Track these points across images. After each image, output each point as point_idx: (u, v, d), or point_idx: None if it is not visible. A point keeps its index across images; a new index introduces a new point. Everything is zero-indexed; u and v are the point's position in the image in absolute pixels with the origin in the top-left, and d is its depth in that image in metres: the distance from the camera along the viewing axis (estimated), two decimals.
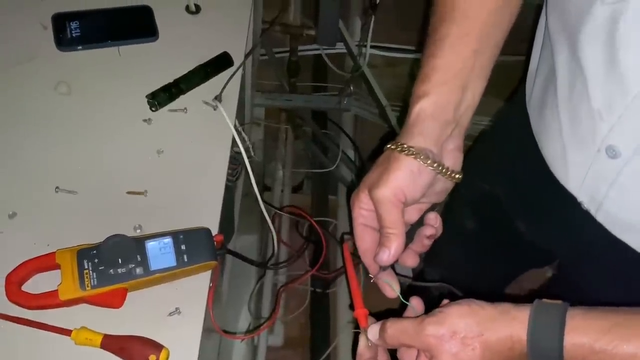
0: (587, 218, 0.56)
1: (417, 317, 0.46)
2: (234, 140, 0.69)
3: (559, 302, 0.44)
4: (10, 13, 0.75)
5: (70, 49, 0.72)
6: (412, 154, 0.48)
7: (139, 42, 0.74)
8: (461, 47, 0.51)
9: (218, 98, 0.69)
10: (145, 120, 0.68)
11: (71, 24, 0.73)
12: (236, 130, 0.68)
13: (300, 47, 1.57)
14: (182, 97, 0.70)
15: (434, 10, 0.54)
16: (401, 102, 1.69)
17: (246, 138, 0.81)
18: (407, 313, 0.51)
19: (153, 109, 0.68)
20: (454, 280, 0.96)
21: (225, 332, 0.62)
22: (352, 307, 0.53)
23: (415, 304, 0.50)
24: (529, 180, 0.66)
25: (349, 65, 1.58)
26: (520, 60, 0.68)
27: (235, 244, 1.21)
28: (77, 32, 0.73)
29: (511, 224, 0.73)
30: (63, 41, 0.72)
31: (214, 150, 0.67)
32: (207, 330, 0.58)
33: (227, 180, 0.68)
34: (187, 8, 0.79)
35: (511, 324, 0.43)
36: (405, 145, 0.49)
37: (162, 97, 0.68)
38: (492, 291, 1.07)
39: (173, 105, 0.69)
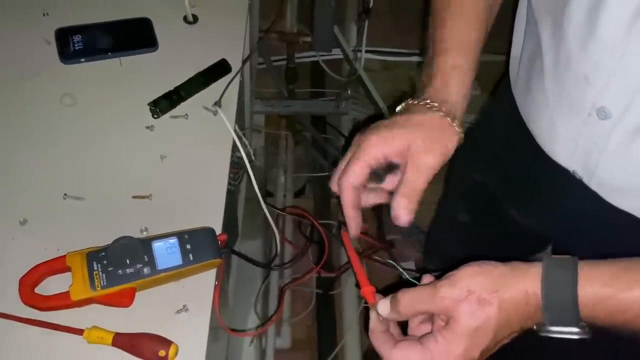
0: (579, 190, 0.58)
1: (429, 283, 0.47)
2: (234, 145, 0.71)
3: (568, 256, 0.45)
4: (14, 30, 0.77)
5: (73, 62, 0.74)
6: (460, 134, 0.52)
7: (139, 52, 0.76)
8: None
9: (218, 103, 0.71)
10: (147, 127, 0.70)
11: (74, 37, 0.76)
12: (236, 134, 0.71)
13: (297, 55, 1.60)
14: (183, 103, 0.72)
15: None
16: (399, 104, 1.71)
17: (246, 142, 0.83)
18: None
19: (155, 116, 0.70)
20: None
21: (233, 330, 0.63)
22: (358, 286, 0.54)
23: (428, 282, 0.50)
24: (518, 164, 0.68)
25: (346, 70, 1.60)
26: (503, 59, 0.71)
27: (239, 248, 1.23)
28: (79, 45, 0.75)
29: (504, 213, 0.74)
30: (66, 55, 0.74)
31: (216, 153, 0.69)
32: (215, 330, 0.60)
33: (229, 184, 0.70)
34: (185, 18, 0.81)
35: (525, 279, 0.44)
36: (457, 122, 0.51)
37: (163, 104, 0.70)
38: None
39: (174, 112, 0.71)
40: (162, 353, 0.53)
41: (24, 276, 0.56)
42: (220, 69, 0.75)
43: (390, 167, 0.53)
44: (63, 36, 0.76)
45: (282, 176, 1.56)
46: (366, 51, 1.32)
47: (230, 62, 0.76)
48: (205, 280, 0.60)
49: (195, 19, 0.82)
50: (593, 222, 0.58)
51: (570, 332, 0.44)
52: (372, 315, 0.51)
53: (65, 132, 0.69)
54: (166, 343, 0.54)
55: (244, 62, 0.77)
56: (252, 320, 1.17)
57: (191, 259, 0.57)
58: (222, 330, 0.61)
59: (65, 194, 0.63)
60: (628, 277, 0.43)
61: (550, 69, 0.56)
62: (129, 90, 0.73)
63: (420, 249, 1.36)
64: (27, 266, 0.56)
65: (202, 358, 0.54)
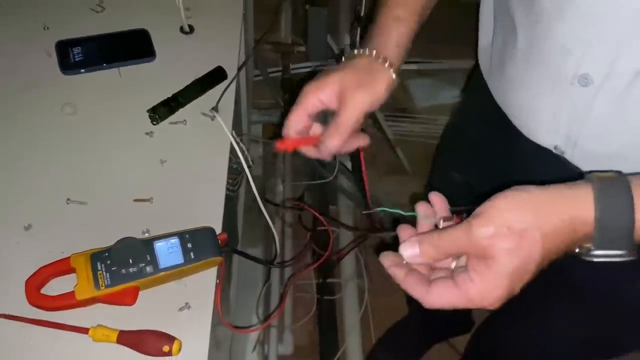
0: (559, 170, 0.59)
1: (463, 223, 0.43)
2: (232, 151, 0.73)
3: (615, 175, 0.42)
4: (16, 43, 0.80)
5: (73, 73, 0.77)
6: (395, 71, 0.55)
7: (138, 62, 0.79)
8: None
9: (215, 109, 0.73)
10: (147, 134, 0.72)
11: (74, 49, 0.78)
12: (233, 138, 0.73)
13: (293, 66, 1.63)
14: (181, 110, 0.74)
15: None
16: (392, 111, 1.74)
17: (243, 148, 0.85)
18: (422, 227, 0.48)
19: (154, 122, 0.72)
20: None
21: (236, 327, 0.65)
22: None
23: (423, 211, 0.49)
24: (497, 155, 0.69)
25: None
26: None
27: (238, 259, 1.24)
28: (79, 56, 0.77)
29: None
30: (67, 66, 0.77)
31: (214, 157, 0.71)
32: (216, 334, 0.61)
33: (228, 190, 0.72)
34: (182, 29, 0.84)
35: (569, 204, 0.41)
36: (389, 65, 0.54)
37: (162, 110, 0.72)
38: None
39: (173, 118, 0.73)
40: (165, 348, 0.54)
41: (29, 277, 0.57)
42: (216, 75, 0.77)
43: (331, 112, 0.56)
44: (63, 48, 0.78)
45: (281, 185, 1.58)
46: None
47: (226, 69, 0.79)
48: (206, 279, 0.61)
49: (192, 29, 0.84)
50: None
51: (617, 255, 0.42)
52: (385, 261, 0.46)
53: (67, 139, 0.71)
54: (170, 338, 0.55)
55: (239, 68, 0.79)
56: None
57: (192, 257, 0.59)
58: (224, 335, 0.62)
59: (68, 199, 0.65)
60: None
61: (527, 46, 0.58)
62: (128, 98, 0.75)
63: None
64: (33, 269, 0.58)
65: (205, 352, 0.56)
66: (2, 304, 0.57)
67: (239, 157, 0.72)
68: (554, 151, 0.60)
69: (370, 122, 1.64)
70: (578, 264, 0.66)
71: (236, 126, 0.81)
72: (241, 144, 0.83)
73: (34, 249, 0.61)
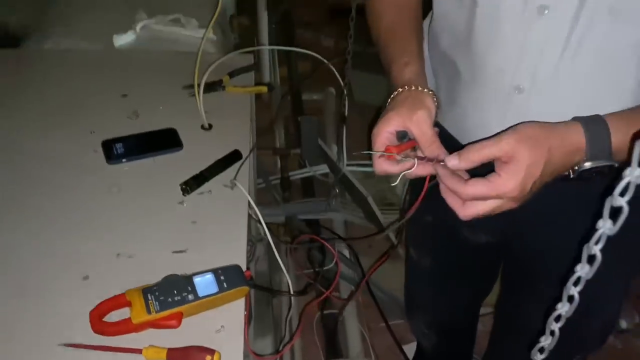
0: None
1: (493, 137, 0.60)
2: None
3: (597, 116, 0.62)
4: (69, 146, 0.97)
5: (117, 162, 0.94)
6: (431, 93, 0.70)
7: (168, 152, 0.96)
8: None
9: (235, 179, 0.90)
10: (179, 203, 0.87)
11: (116, 145, 0.96)
12: (250, 198, 0.88)
13: (291, 173, 1.83)
14: (206, 183, 0.90)
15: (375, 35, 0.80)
16: (383, 205, 1.92)
17: (260, 216, 1.00)
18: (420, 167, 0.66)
19: (185, 193, 0.88)
20: (439, 314, 1.10)
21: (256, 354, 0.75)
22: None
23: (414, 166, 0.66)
24: None
25: (332, 178, 1.83)
26: None
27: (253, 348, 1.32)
28: (121, 150, 0.95)
29: (460, 242, 0.89)
30: (111, 157, 0.94)
31: (236, 217, 0.86)
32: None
33: None
34: (202, 126, 1.03)
35: (570, 133, 0.61)
36: (419, 86, 0.70)
37: (191, 183, 0.89)
38: (475, 309, 1.19)
39: (200, 190, 0.89)
40: (208, 358, 0.65)
41: (93, 310, 0.69)
42: (233, 156, 0.95)
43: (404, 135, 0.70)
44: (108, 145, 0.96)
45: (286, 277, 1.69)
46: (347, 164, 1.53)
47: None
48: (237, 307, 0.73)
49: (210, 126, 1.04)
50: (527, 206, 0.67)
51: (601, 164, 0.61)
52: (443, 175, 0.64)
53: (115, 210, 0.86)
54: (211, 351, 0.66)
55: (251, 150, 0.97)
56: None
57: (225, 286, 0.72)
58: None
59: (118, 254, 0.79)
60: (634, 120, 0.62)
61: (470, 78, 0.76)
62: (162, 178, 0.92)
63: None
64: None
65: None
66: (67, 336, 0.68)
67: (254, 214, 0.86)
68: None
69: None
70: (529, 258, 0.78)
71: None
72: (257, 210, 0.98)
73: (90, 294, 0.73)
